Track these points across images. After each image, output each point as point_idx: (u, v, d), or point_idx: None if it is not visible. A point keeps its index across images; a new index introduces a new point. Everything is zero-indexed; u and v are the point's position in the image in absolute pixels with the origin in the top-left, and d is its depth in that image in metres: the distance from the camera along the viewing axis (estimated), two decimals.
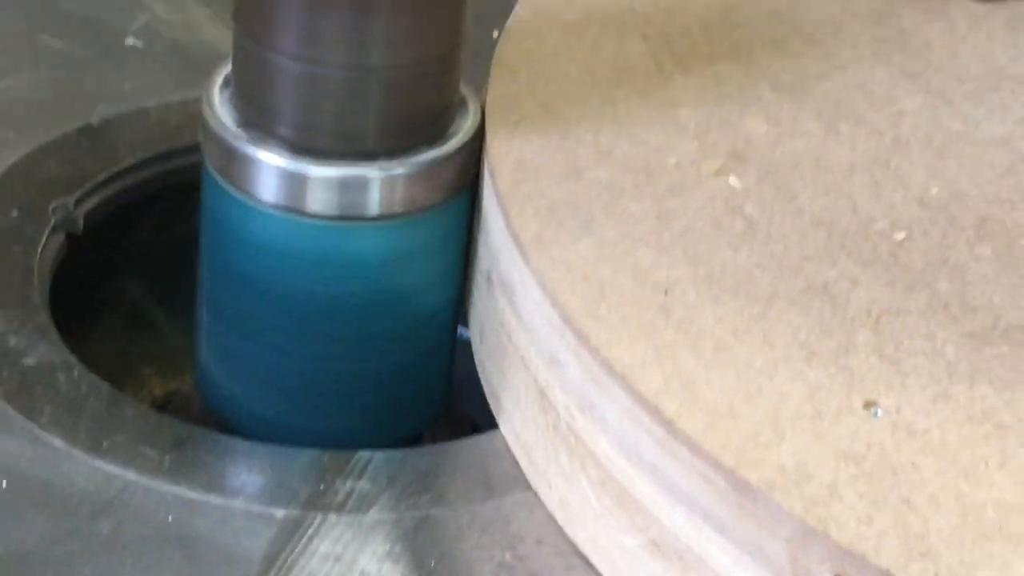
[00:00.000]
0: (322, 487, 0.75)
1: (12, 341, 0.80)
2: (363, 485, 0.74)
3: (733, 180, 0.76)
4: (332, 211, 0.76)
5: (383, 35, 0.76)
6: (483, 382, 0.78)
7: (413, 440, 0.81)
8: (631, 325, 0.67)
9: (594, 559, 0.72)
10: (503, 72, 0.83)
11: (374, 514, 0.73)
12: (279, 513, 0.73)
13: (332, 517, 0.73)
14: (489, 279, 0.76)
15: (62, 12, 1.06)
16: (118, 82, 0.98)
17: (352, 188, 0.76)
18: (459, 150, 0.78)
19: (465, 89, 0.82)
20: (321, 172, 0.76)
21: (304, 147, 0.75)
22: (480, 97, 0.86)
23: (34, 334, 0.81)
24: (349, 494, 0.74)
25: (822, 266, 0.72)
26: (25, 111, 0.95)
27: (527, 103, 0.80)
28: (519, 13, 0.85)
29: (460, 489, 0.77)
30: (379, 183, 0.76)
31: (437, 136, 0.78)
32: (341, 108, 0.76)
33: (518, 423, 0.74)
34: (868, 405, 0.66)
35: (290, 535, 0.72)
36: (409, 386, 0.81)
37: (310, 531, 0.73)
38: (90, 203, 0.90)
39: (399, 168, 0.76)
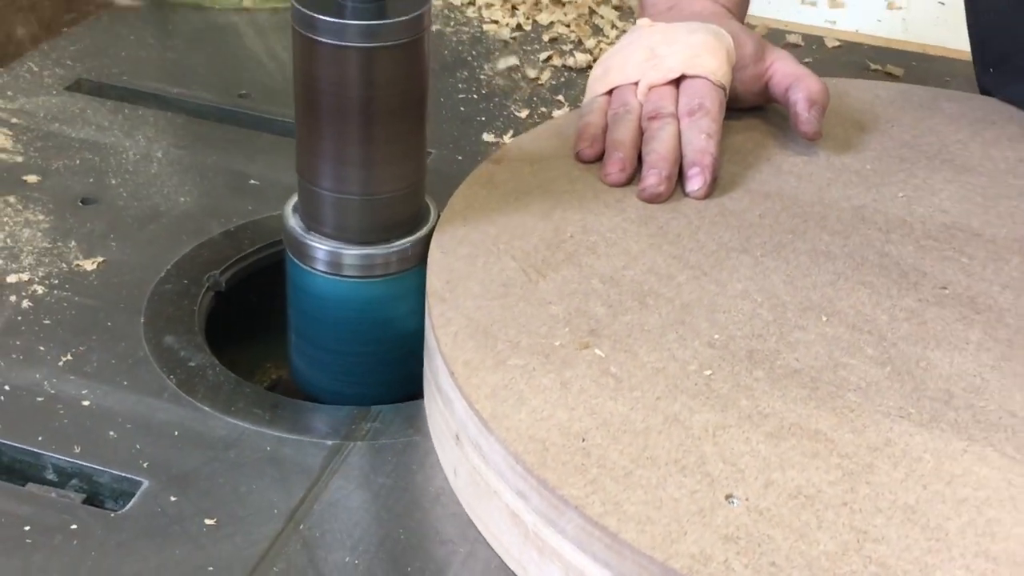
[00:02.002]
0: (353, 427, 0.78)
1: (182, 353, 0.83)
2: (376, 425, 0.78)
3: (597, 351, 0.72)
4: (354, 273, 0.79)
5: (379, 180, 0.78)
6: (462, 503, 0.72)
7: (409, 398, 0.82)
8: (568, 467, 0.64)
9: None
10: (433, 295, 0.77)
11: (382, 441, 0.77)
12: (328, 442, 0.76)
13: (359, 444, 0.77)
14: (458, 438, 0.71)
15: (209, 163, 1.04)
16: (244, 205, 0.99)
17: (364, 260, 0.79)
18: (419, 240, 0.80)
19: (428, 199, 0.83)
20: (348, 251, 0.79)
21: (336, 238, 0.79)
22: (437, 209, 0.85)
23: (194, 349, 0.84)
24: (368, 431, 0.77)
25: (669, 402, 0.69)
26: (192, 221, 0.97)
27: (457, 320, 0.74)
28: (433, 251, 0.79)
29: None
30: (380, 257, 0.79)
31: (409, 232, 0.80)
32: (355, 218, 0.79)
33: (495, 531, 0.70)
34: (728, 498, 0.64)
35: (334, 454, 0.76)
36: (404, 368, 0.82)
37: (345, 452, 0.76)
38: (228, 274, 0.92)
39: (388, 250, 0.79)
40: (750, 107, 0.91)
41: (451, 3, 1.33)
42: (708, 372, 0.71)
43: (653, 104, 0.85)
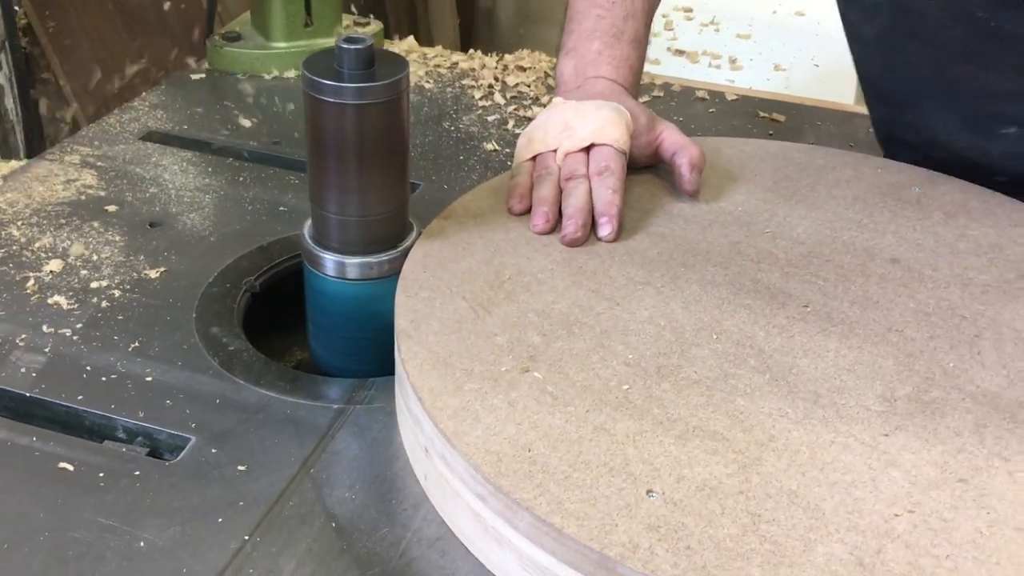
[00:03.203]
0: (354, 395, 0.76)
1: (224, 340, 0.82)
2: (372, 393, 0.76)
3: (536, 374, 0.69)
4: (355, 277, 0.78)
5: (371, 206, 0.76)
6: (432, 501, 0.68)
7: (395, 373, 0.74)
8: (519, 474, 0.61)
9: None
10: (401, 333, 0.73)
11: (375, 405, 0.75)
12: (335, 406, 0.75)
13: (358, 407, 0.75)
14: (427, 451, 0.68)
15: (248, 195, 1.02)
16: (275, 227, 0.97)
17: (362, 267, 0.77)
18: (404, 251, 0.78)
19: (411, 219, 0.81)
20: (350, 261, 0.77)
21: (341, 251, 0.77)
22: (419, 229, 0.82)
23: (233, 337, 0.83)
24: (364, 397, 0.76)
25: (596, 414, 0.66)
26: (234, 239, 0.95)
27: (422, 354, 0.69)
28: (399, 296, 0.75)
29: None
30: (375, 265, 0.77)
31: (396, 245, 0.79)
32: (354, 235, 0.77)
33: (460, 526, 0.67)
34: (648, 493, 0.61)
35: (339, 415, 0.74)
36: (392, 349, 0.76)
37: (348, 414, 0.75)
38: (261, 279, 0.91)
39: (381, 259, 0.78)
40: (643, 167, 0.89)
41: (438, 70, 1.31)
42: (626, 387, 0.68)
43: (569, 167, 0.82)
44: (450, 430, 0.62)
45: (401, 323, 0.71)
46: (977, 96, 0.86)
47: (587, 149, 0.83)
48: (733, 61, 1.44)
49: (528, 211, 0.83)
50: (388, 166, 0.74)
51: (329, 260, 0.77)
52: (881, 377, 0.67)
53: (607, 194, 0.80)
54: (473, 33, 2.49)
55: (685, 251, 0.80)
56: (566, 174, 0.82)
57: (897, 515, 0.57)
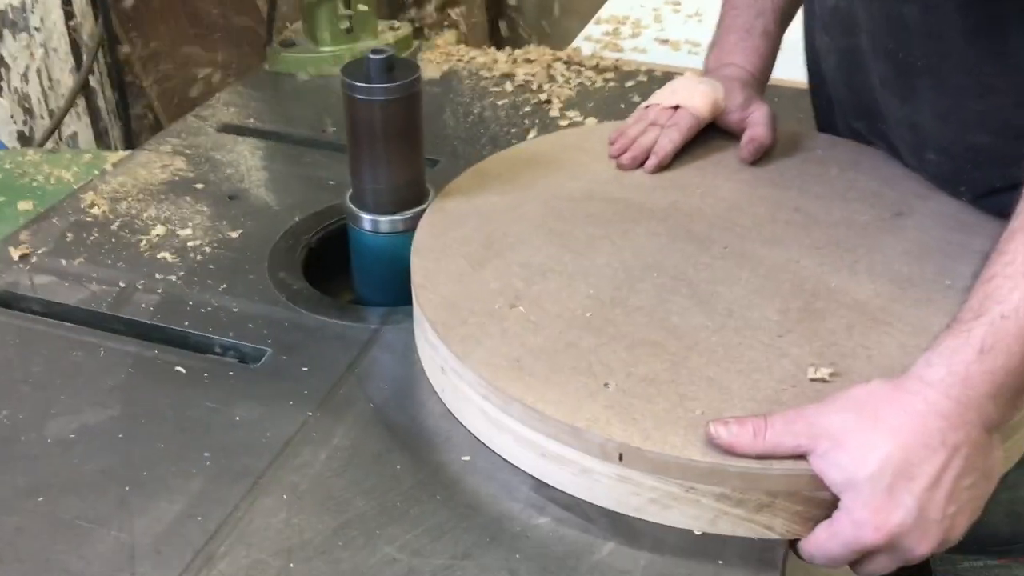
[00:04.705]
0: (386, 318, 0.86)
1: (288, 281, 0.91)
2: (398, 317, 0.85)
3: (521, 308, 0.76)
4: (386, 231, 0.87)
5: (395, 176, 0.85)
6: (446, 403, 0.76)
7: None
8: (512, 378, 0.69)
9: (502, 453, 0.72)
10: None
11: (402, 325, 0.84)
12: (372, 326, 0.85)
13: (389, 327, 0.85)
14: (443, 369, 0.74)
15: (304, 173, 1.08)
16: (326, 197, 1.04)
17: (391, 223, 0.87)
18: (422, 210, 0.86)
19: (428, 186, 0.89)
20: (384, 219, 0.86)
21: (374, 212, 0.86)
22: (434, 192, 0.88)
23: (296, 279, 0.91)
24: (393, 320, 0.85)
25: (567, 334, 0.73)
26: (294, 207, 1.02)
27: (434, 299, 0.76)
28: (413, 259, 0.81)
29: None
30: (400, 221, 0.87)
31: (416, 204, 0.87)
32: (384, 199, 0.86)
33: (469, 419, 0.73)
34: (605, 385, 0.69)
35: (375, 332, 0.84)
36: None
37: (381, 331, 0.84)
38: (317, 236, 0.99)
39: (405, 216, 0.86)
40: (739, 132, 0.96)
41: (459, 64, 1.40)
42: (588, 314, 0.75)
43: (653, 116, 0.96)
44: (460, 351, 0.71)
45: (416, 278, 0.79)
46: (900, 124, 0.88)
47: (675, 108, 0.95)
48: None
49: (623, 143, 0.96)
50: (406, 146, 0.85)
51: (366, 219, 0.87)
52: (780, 296, 0.77)
53: (665, 141, 0.93)
54: (499, 27, 2.55)
55: (635, 211, 0.88)
56: (652, 120, 0.96)
57: (784, 389, 0.68)
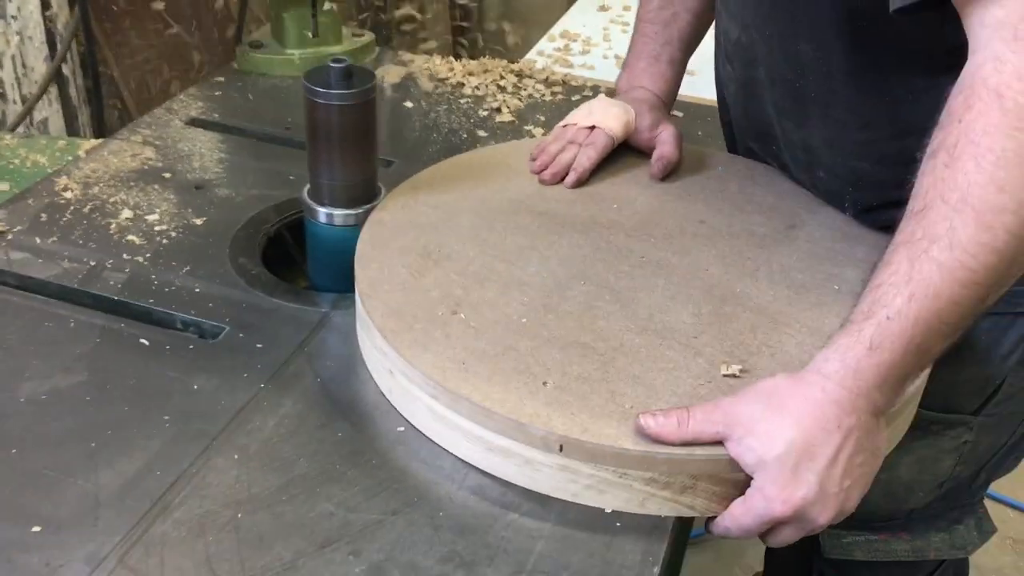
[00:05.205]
0: (336, 303, 0.90)
1: (248, 266, 0.95)
2: (347, 303, 0.89)
3: (461, 315, 0.78)
4: (339, 223, 0.91)
5: (349, 174, 0.89)
6: (394, 404, 0.78)
7: None
8: (459, 378, 0.71)
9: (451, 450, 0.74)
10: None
11: (349, 310, 0.88)
12: (323, 310, 0.89)
13: (339, 312, 0.89)
14: (391, 372, 0.76)
15: (266, 167, 1.11)
16: (285, 191, 1.08)
17: (344, 217, 0.90)
18: (373, 207, 0.90)
19: (379, 184, 0.93)
20: (338, 213, 0.90)
21: (330, 205, 0.90)
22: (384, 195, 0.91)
23: (255, 265, 0.95)
24: (347, 306, 0.89)
25: (505, 338, 0.75)
26: (256, 199, 1.06)
27: (380, 307, 0.76)
28: (357, 270, 0.81)
29: None
30: (353, 216, 0.90)
31: (368, 201, 0.91)
32: (338, 195, 0.90)
33: (419, 419, 0.76)
34: (544, 384, 0.72)
35: (325, 316, 0.88)
36: None
37: (332, 315, 0.89)
38: (276, 227, 1.03)
39: (357, 211, 0.90)
40: (648, 151, 1.01)
41: (418, 73, 1.44)
42: (524, 319, 0.78)
43: (572, 136, 1.00)
44: (409, 355, 0.74)
45: (361, 287, 0.81)
46: (794, 146, 0.95)
47: (591, 128, 1.00)
48: None
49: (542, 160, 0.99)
50: (361, 147, 0.89)
51: (322, 212, 0.91)
52: (692, 301, 0.81)
53: (583, 159, 0.98)
54: (463, 36, 2.58)
55: (558, 223, 0.91)
56: (570, 139, 1.00)
57: (701, 384, 0.73)
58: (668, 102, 1.07)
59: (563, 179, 0.98)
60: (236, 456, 0.75)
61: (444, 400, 0.72)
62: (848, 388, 0.67)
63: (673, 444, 0.68)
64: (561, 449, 0.68)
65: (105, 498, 0.72)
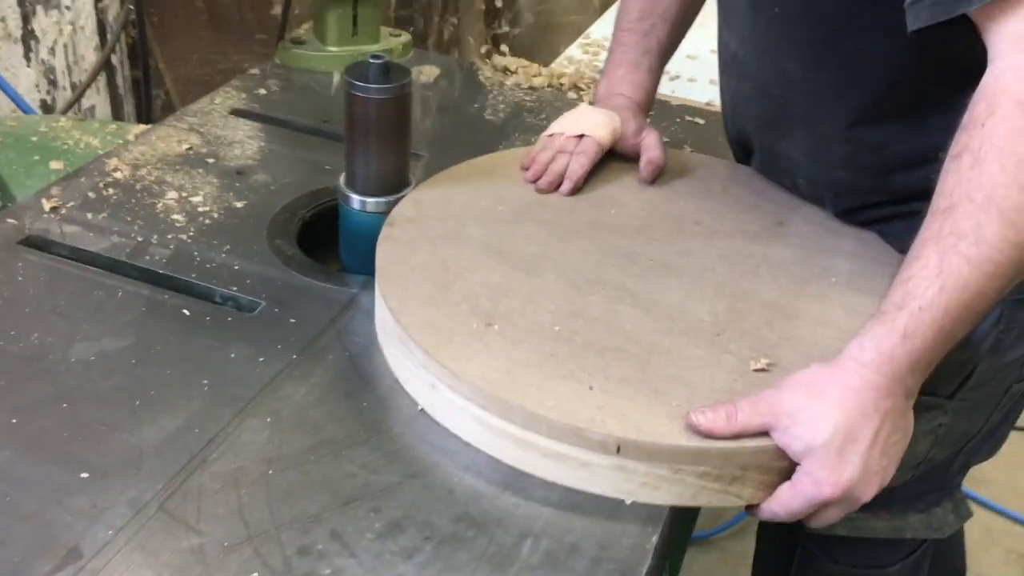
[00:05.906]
0: (365, 284, 0.93)
1: (284, 247, 0.98)
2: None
3: (495, 327, 0.78)
4: (372, 211, 0.94)
5: (383, 164, 0.92)
6: (434, 418, 0.78)
7: None
8: (506, 387, 0.72)
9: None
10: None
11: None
12: (353, 290, 0.93)
13: (368, 293, 0.91)
14: (433, 386, 0.77)
15: (304, 157, 1.14)
16: (321, 179, 1.10)
17: (377, 204, 0.94)
18: (404, 195, 0.93)
19: (411, 175, 0.96)
20: (371, 200, 0.94)
21: (363, 193, 0.94)
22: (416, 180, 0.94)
23: (291, 246, 0.99)
24: (371, 286, 0.87)
25: (542, 346, 0.75)
26: (294, 186, 1.09)
27: (415, 323, 0.76)
28: (383, 287, 0.80)
29: None
30: (385, 203, 0.93)
31: (399, 190, 0.94)
32: (372, 183, 0.93)
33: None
34: (590, 388, 0.72)
35: (356, 294, 0.92)
36: None
37: (361, 296, 0.92)
38: (311, 212, 1.06)
39: (389, 199, 0.93)
40: (632, 157, 1.03)
41: (447, 73, 1.47)
42: (556, 327, 0.79)
43: (562, 145, 1.01)
44: (455, 368, 0.74)
45: (392, 305, 0.80)
46: (776, 156, 0.98)
47: (580, 137, 1.01)
48: (675, 77, 1.60)
49: (536, 169, 1.00)
50: (395, 139, 0.93)
51: (356, 199, 0.94)
52: (707, 300, 0.84)
53: (576, 167, 0.99)
54: (497, 40, 2.64)
55: (563, 230, 0.92)
56: (559, 148, 1.01)
57: (735, 380, 0.75)
58: (646, 109, 1.09)
59: (558, 187, 1.00)
60: (268, 419, 0.79)
61: (496, 410, 0.72)
62: (884, 374, 0.70)
63: (724, 438, 0.70)
64: (619, 450, 0.69)
65: (148, 450, 0.77)
